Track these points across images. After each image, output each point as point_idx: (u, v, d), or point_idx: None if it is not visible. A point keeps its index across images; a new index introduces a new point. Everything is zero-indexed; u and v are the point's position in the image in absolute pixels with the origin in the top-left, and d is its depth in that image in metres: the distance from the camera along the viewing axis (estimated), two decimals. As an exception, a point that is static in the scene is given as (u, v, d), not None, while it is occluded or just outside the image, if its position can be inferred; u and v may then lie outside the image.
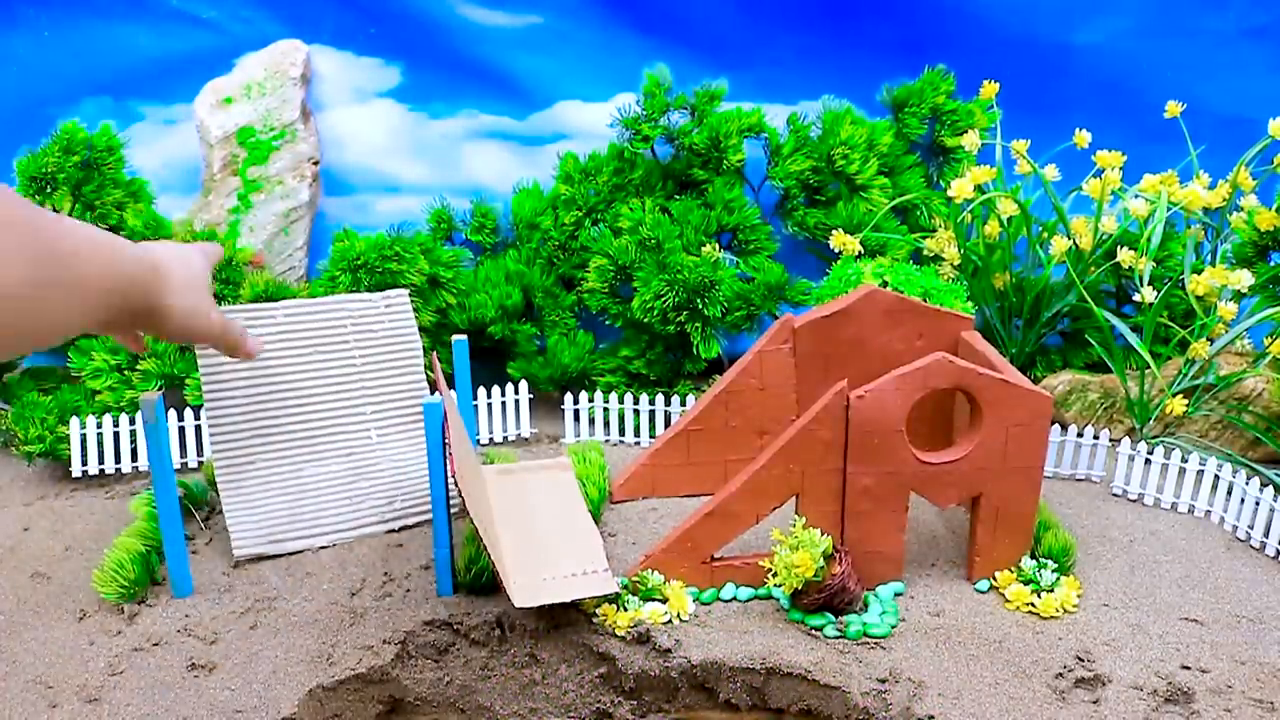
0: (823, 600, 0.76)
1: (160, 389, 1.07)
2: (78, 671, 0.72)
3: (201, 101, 1.20)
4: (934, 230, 1.17)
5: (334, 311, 0.92)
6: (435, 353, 0.95)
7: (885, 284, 0.96)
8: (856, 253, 1.07)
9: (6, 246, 0.45)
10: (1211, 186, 1.05)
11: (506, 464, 0.97)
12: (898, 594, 0.80)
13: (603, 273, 1.14)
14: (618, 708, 0.76)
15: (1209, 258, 1.12)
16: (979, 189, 1.03)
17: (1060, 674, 0.71)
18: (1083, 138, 1.09)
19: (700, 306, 1.07)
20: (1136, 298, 0.99)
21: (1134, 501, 0.96)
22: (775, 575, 0.75)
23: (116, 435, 1.03)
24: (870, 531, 0.79)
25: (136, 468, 1.04)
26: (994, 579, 0.81)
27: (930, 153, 1.27)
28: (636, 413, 1.09)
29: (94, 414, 1.04)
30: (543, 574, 0.78)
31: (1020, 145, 1.08)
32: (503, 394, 1.10)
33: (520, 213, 1.22)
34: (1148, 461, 0.96)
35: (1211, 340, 0.99)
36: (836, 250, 1.08)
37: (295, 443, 0.90)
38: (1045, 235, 1.12)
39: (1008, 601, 0.79)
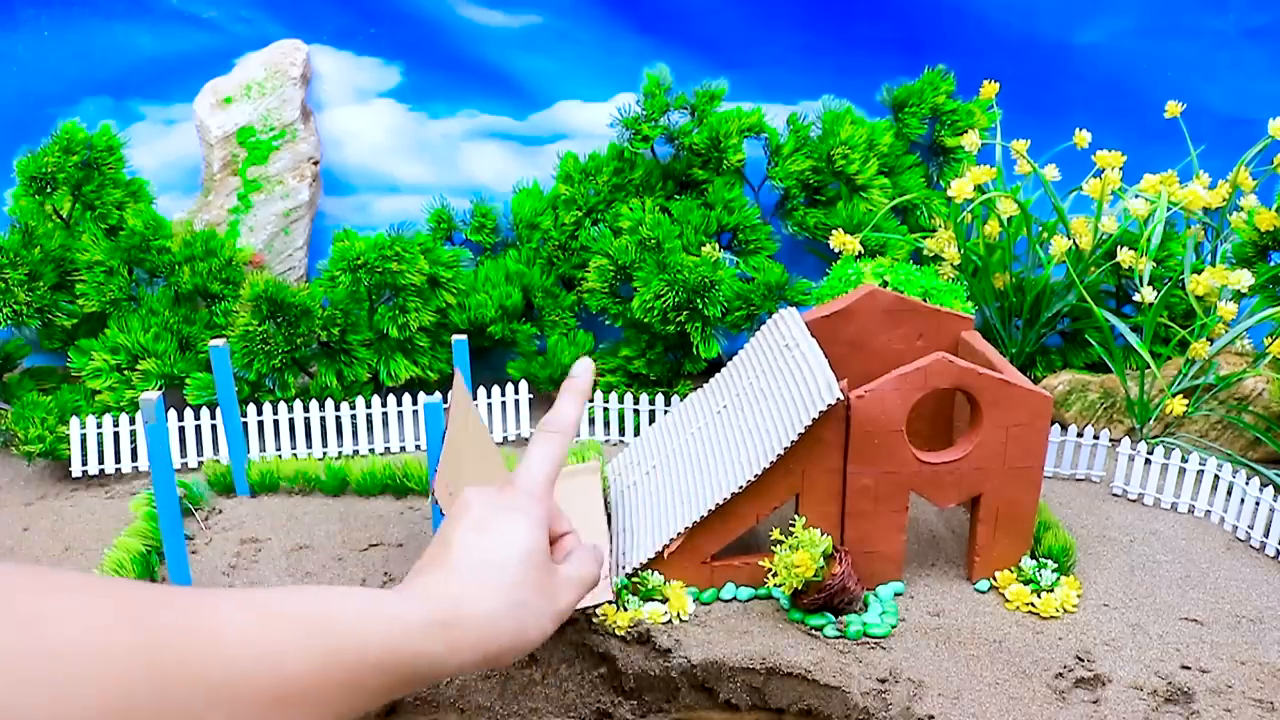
0: (823, 600, 0.76)
1: (160, 389, 1.07)
2: (78, 671, 0.72)
3: (201, 101, 1.20)
4: (934, 230, 1.17)
5: None
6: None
7: (885, 284, 0.96)
8: (856, 253, 1.07)
9: None
10: (1211, 186, 1.05)
11: None
12: (898, 594, 0.80)
13: (603, 273, 1.14)
14: (618, 708, 0.76)
15: (1209, 258, 1.12)
16: (979, 189, 1.03)
17: (1060, 674, 0.71)
18: (1083, 138, 1.09)
19: (700, 306, 1.07)
20: (1136, 298, 0.99)
21: (1134, 501, 0.96)
22: (775, 575, 0.75)
23: (116, 435, 1.03)
24: (870, 531, 0.79)
25: (136, 468, 1.04)
26: (994, 579, 0.81)
27: (930, 153, 1.27)
28: (636, 413, 1.09)
29: (94, 414, 1.04)
30: None
31: (1020, 145, 1.08)
32: (503, 394, 1.10)
33: (520, 213, 1.22)
34: (1148, 461, 0.96)
35: (1211, 340, 0.99)
36: (836, 250, 1.08)
37: None
38: (1045, 235, 1.12)
39: (1008, 601, 0.79)
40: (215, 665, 0.38)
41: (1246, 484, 0.89)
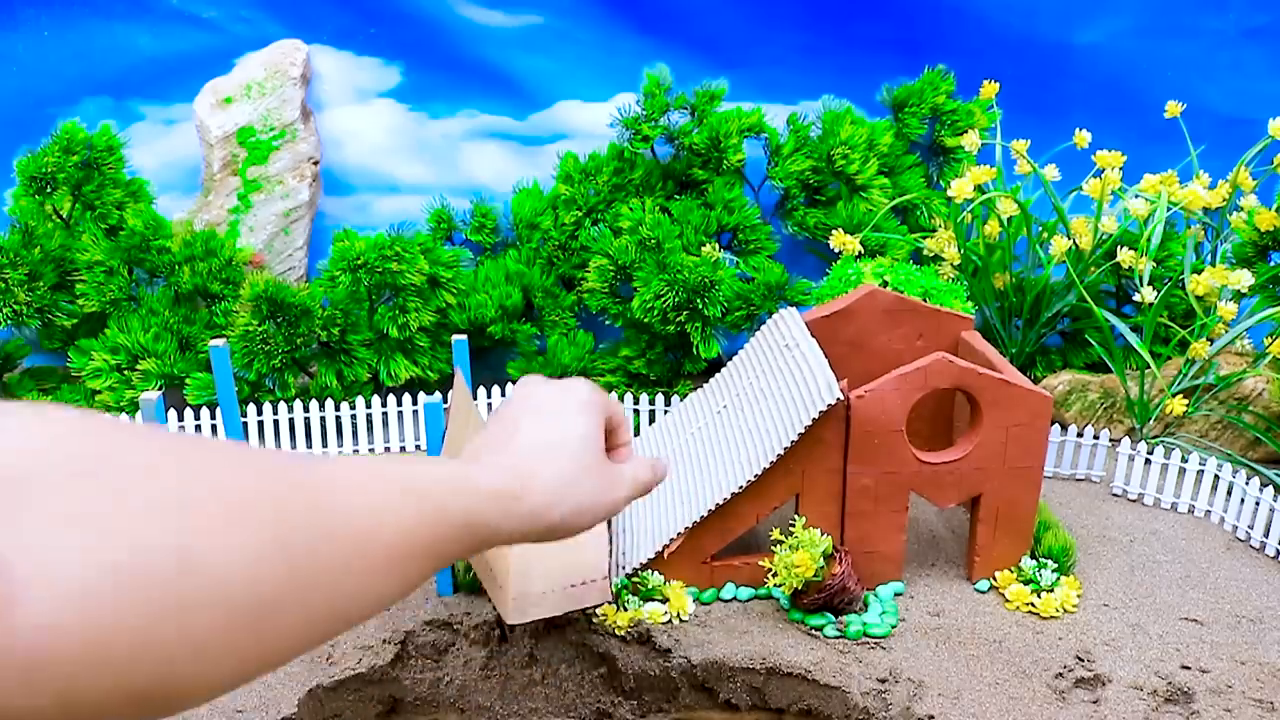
0: (823, 600, 0.76)
1: (160, 389, 1.07)
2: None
3: (201, 101, 1.20)
4: (934, 230, 1.17)
5: None
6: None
7: (885, 284, 0.96)
8: (856, 253, 1.07)
9: None
10: (1211, 186, 1.05)
11: None
12: (898, 594, 0.80)
13: (603, 273, 1.14)
14: (618, 708, 0.76)
15: (1209, 258, 1.12)
16: (979, 189, 1.03)
17: (1060, 674, 0.71)
18: (1083, 138, 1.09)
19: (700, 306, 1.07)
20: (1136, 298, 0.99)
21: (1134, 501, 0.96)
22: (775, 575, 0.75)
23: (116, 435, 1.03)
24: (870, 531, 0.79)
25: (136, 468, 1.04)
26: (994, 579, 0.81)
27: (930, 153, 1.27)
28: (636, 413, 1.09)
29: (94, 414, 1.03)
30: (540, 586, 0.77)
31: (1020, 145, 1.08)
32: (503, 394, 1.10)
33: (520, 213, 1.22)
34: (1148, 461, 0.96)
35: (1211, 340, 0.99)
36: (836, 250, 1.08)
37: None
38: (1045, 235, 1.12)
39: (1008, 601, 0.79)
40: (339, 519, 0.38)
41: (1246, 484, 0.89)
